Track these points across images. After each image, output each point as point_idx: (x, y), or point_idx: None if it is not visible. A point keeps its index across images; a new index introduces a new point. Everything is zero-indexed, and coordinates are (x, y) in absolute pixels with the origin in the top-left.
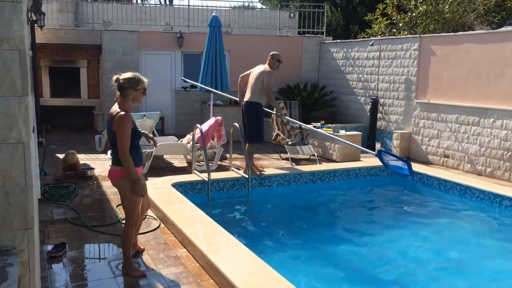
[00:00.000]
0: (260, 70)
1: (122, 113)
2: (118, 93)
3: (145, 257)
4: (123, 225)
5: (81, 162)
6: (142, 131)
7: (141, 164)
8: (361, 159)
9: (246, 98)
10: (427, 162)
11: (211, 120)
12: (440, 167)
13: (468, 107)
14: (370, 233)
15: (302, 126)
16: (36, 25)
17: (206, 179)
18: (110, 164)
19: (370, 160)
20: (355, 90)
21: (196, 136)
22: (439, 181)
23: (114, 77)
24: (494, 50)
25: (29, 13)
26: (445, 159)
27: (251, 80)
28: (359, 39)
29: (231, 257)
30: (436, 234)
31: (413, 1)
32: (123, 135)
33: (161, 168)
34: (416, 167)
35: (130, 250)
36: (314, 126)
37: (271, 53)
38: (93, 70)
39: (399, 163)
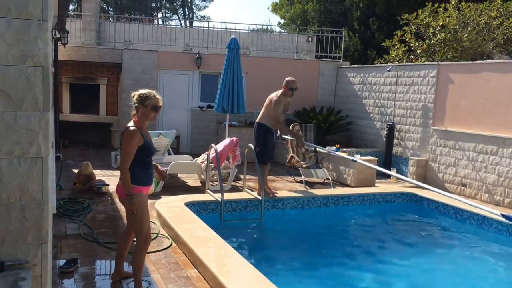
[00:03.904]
0: (271, 96)
1: (131, 128)
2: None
3: (156, 276)
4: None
5: (97, 178)
6: (153, 163)
7: (149, 184)
8: (376, 184)
9: (257, 119)
10: (443, 190)
11: (226, 141)
12: (457, 196)
13: (486, 136)
14: (385, 261)
15: (324, 151)
16: (59, 42)
17: (219, 200)
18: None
19: (385, 186)
20: (371, 115)
21: (211, 156)
22: (456, 210)
23: (132, 94)
24: None
25: (54, 30)
26: (462, 187)
27: (265, 102)
28: (376, 65)
29: (241, 280)
30: (451, 264)
31: (431, 28)
32: (127, 149)
33: (175, 186)
34: (432, 194)
35: (141, 271)
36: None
37: (286, 79)
38: (112, 87)
39: None
